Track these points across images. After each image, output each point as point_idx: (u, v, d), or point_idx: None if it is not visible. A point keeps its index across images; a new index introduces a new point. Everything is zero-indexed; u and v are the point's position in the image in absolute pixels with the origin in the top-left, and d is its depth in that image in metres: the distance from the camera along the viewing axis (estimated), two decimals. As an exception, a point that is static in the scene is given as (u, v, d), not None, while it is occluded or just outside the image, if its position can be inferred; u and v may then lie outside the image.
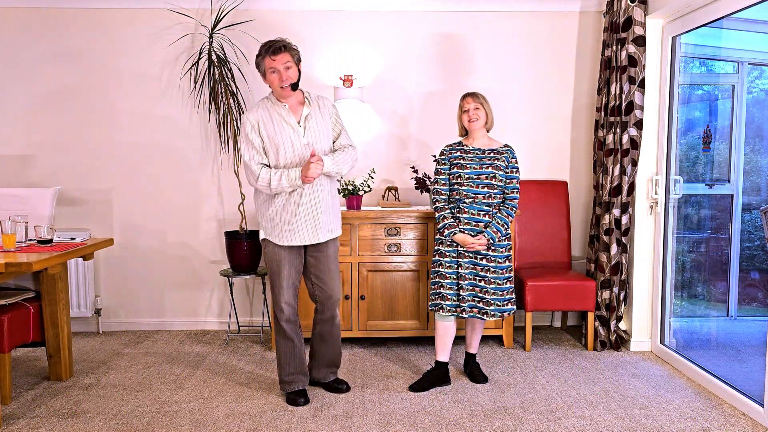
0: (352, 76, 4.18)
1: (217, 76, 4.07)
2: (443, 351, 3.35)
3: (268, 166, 2.98)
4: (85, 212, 4.38)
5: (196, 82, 4.25)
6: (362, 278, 3.93)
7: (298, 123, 2.98)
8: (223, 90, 4.09)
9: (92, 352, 3.99)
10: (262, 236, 3.10)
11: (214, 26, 4.12)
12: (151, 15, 4.27)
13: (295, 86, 2.94)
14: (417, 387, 3.31)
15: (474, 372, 3.46)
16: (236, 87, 4.17)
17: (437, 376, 3.36)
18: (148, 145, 4.36)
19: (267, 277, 4.20)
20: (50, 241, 3.25)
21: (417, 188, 4.13)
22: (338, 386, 3.30)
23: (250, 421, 2.93)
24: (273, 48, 2.87)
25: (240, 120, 4.17)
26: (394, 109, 4.38)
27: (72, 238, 3.53)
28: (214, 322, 4.49)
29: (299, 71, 2.96)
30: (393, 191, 4.28)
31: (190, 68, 4.24)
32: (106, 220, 4.39)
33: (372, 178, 4.18)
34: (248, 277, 4.08)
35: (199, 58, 4.18)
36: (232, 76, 4.14)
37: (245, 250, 4.04)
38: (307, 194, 2.99)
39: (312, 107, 3.02)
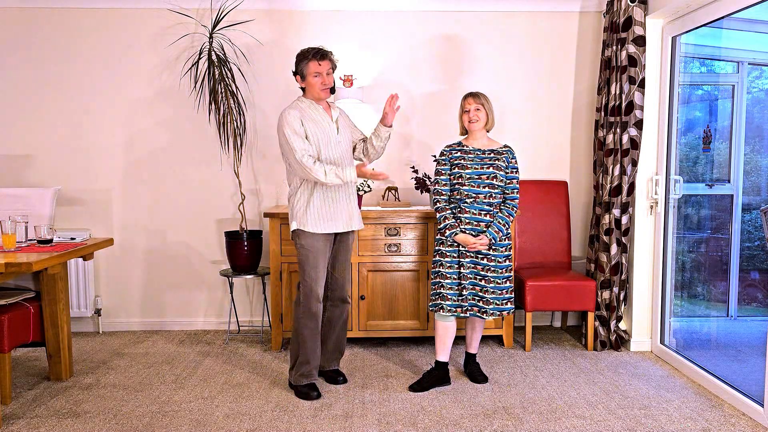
0: (352, 76, 4.18)
1: (217, 76, 4.07)
2: (443, 351, 3.35)
3: (316, 159, 3.17)
4: (85, 212, 4.38)
5: (196, 82, 4.25)
6: (362, 278, 3.93)
7: (332, 122, 3.25)
8: (223, 90, 4.09)
9: (92, 352, 3.99)
10: (294, 227, 3.19)
11: (214, 26, 4.12)
12: (151, 15, 4.27)
13: (332, 90, 3.23)
14: (417, 387, 3.31)
15: (474, 372, 3.46)
16: (236, 87, 4.17)
17: (437, 376, 3.36)
18: (148, 145, 4.36)
19: (267, 277, 4.20)
20: (50, 241, 3.25)
21: (417, 188, 4.13)
22: (336, 377, 3.42)
23: (250, 421, 2.93)
24: (321, 53, 3.14)
25: (240, 120, 4.17)
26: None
27: (72, 238, 3.53)
28: (214, 322, 4.49)
29: (334, 80, 3.25)
30: (393, 191, 4.28)
31: (190, 68, 4.23)
32: (106, 220, 4.39)
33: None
34: (248, 277, 4.08)
35: (199, 58, 4.18)
36: (232, 76, 4.14)
37: (245, 250, 4.04)
38: (344, 188, 3.24)
39: (337, 111, 3.31)
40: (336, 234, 3.29)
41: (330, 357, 3.45)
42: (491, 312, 3.24)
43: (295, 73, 3.21)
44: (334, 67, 3.21)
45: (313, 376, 3.25)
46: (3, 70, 4.29)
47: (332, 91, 3.22)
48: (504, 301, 3.27)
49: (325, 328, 3.41)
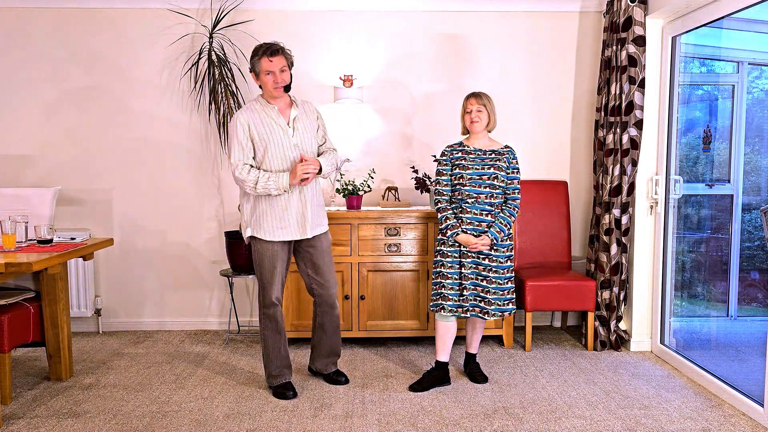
0: (352, 76, 4.18)
1: (217, 76, 4.07)
2: (443, 351, 3.35)
3: (252, 167, 3.07)
4: (85, 212, 4.38)
5: (196, 82, 4.25)
6: (362, 278, 3.93)
7: (288, 124, 3.11)
8: (223, 90, 4.09)
9: (92, 352, 3.99)
10: (248, 234, 3.16)
11: (214, 26, 4.12)
12: (151, 15, 4.27)
13: (287, 88, 3.10)
14: (417, 387, 3.31)
15: (474, 372, 3.46)
16: (236, 87, 4.17)
17: (437, 376, 3.36)
18: (148, 145, 4.36)
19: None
20: (50, 241, 3.25)
21: (417, 188, 4.13)
22: (338, 378, 3.40)
23: (250, 421, 2.93)
24: (271, 50, 3.01)
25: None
26: (393, 109, 4.38)
27: (72, 238, 3.53)
28: (214, 322, 4.49)
29: (291, 76, 3.10)
30: (393, 191, 4.28)
31: (190, 68, 4.23)
32: (106, 220, 4.39)
33: (372, 178, 4.18)
34: (248, 277, 4.08)
35: (199, 58, 4.18)
36: (232, 76, 4.14)
37: (245, 250, 4.04)
38: (296, 192, 3.10)
39: (299, 110, 3.16)
40: (300, 240, 3.19)
41: (326, 361, 3.43)
42: (493, 312, 3.24)
43: (251, 71, 3.10)
44: (290, 64, 3.07)
45: (283, 375, 3.24)
46: (3, 70, 4.29)
47: (287, 89, 3.08)
48: (506, 302, 3.27)
49: (317, 334, 3.38)
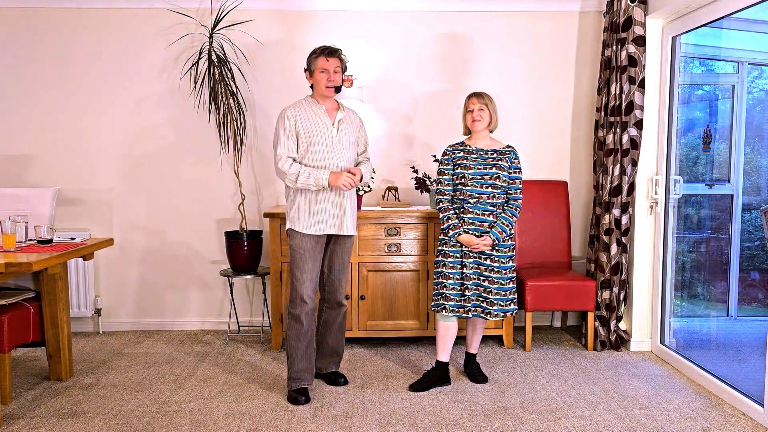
0: (352, 76, 4.18)
1: (217, 76, 4.07)
2: (444, 351, 3.35)
3: (294, 161, 3.17)
4: (85, 212, 4.38)
5: (196, 82, 4.25)
6: (362, 278, 3.93)
7: (333, 124, 3.19)
8: (223, 90, 4.08)
9: (92, 352, 3.99)
10: (288, 226, 3.22)
11: (214, 26, 4.12)
12: (151, 15, 4.27)
13: (338, 89, 3.21)
14: (417, 387, 3.31)
15: (474, 372, 3.46)
16: (236, 87, 4.17)
17: (437, 376, 3.36)
18: (148, 145, 4.36)
19: (267, 277, 4.20)
20: (50, 241, 3.25)
21: (417, 188, 4.13)
22: (337, 379, 3.39)
23: (250, 421, 2.93)
24: (329, 50, 3.16)
25: (240, 120, 4.18)
26: (394, 109, 4.38)
27: (72, 238, 3.53)
28: (214, 322, 4.49)
29: (342, 80, 3.23)
30: (393, 191, 4.28)
31: (190, 68, 4.23)
32: (106, 220, 4.39)
33: (372, 178, 4.18)
34: (248, 277, 4.08)
35: (199, 58, 4.18)
36: (232, 76, 4.14)
37: (245, 250, 4.04)
38: (336, 189, 3.17)
39: (345, 114, 3.27)
40: (331, 236, 3.26)
41: (327, 360, 3.42)
42: (495, 313, 3.23)
43: (305, 70, 3.23)
44: (343, 68, 3.21)
45: (302, 380, 3.18)
46: (3, 70, 4.29)
47: (338, 90, 3.20)
48: (508, 302, 3.27)
49: (321, 331, 3.40)
